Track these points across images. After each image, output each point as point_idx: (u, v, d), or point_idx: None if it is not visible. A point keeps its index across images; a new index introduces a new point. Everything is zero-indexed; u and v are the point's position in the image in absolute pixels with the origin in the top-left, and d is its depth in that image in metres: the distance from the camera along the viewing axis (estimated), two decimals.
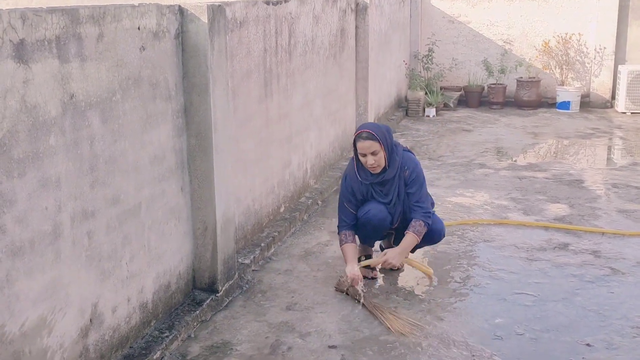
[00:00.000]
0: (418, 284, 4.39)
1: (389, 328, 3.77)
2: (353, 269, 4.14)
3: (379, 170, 4.24)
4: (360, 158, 4.24)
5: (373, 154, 4.17)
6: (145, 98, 3.43)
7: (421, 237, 4.29)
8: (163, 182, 3.62)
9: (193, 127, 3.84)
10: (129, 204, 3.31)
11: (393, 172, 4.28)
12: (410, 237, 4.25)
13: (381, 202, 4.34)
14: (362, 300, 4.04)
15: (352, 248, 4.30)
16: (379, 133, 4.19)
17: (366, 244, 4.55)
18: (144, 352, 3.35)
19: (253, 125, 4.80)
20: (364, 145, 4.17)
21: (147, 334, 3.52)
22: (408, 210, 4.35)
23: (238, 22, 4.45)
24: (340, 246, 4.36)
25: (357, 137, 4.21)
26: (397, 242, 4.52)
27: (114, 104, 3.15)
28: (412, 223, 4.28)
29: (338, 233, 4.42)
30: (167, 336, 3.52)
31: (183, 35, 3.75)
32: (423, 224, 4.27)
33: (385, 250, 4.30)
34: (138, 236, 3.41)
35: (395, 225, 4.42)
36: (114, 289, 3.22)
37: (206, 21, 3.71)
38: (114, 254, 3.21)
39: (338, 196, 4.50)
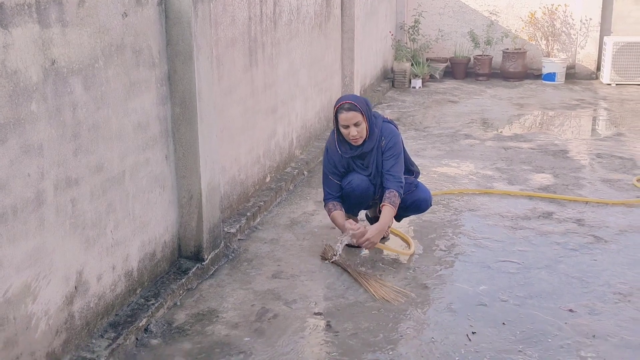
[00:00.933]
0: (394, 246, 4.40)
1: (373, 295, 3.79)
2: (352, 225, 4.15)
3: (360, 142, 4.23)
4: (342, 130, 4.21)
5: (356, 125, 4.16)
6: (129, 65, 3.39)
7: (397, 207, 4.25)
8: (147, 151, 3.60)
9: (177, 95, 3.81)
10: (113, 171, 3.29)
11: (372, 144, 4.26)
12: (387, 210, 4.20)
13: (361, 172, 4.35)
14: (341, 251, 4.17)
15: (342, 214, 4.32)
16: (361, 104, 4.18)
17: (351, 213, 4.55)
18: (129, 319, 3.35)
19: (238, 94, 4.77)
20: (347, 116, 4.14)
21: (132, 301, 3.52)
22: (382, 177, 4.37)
23: None
24: (330, 215, 4.36)
25: (339, 108, 4.17)
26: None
27: (96, 71, 3.11)
28: (386, 194, 4.23)
29: (325, 205, 4.42)
30: (152, 304, 3.52)
31: (166, 2, 3.70)
32: (397, 194, 4.22)
33: (367, 228, 4.25)
34: (122, 204, 3.39)
35: (378, 196, 4.42)
36: (98, 256, 3.21)
37: None
38: (99, 222, 3.20)
39: (322, 168, 4.50)
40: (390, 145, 4.28)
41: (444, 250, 4.42)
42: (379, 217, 4.55)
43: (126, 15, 3.34)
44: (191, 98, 3.81)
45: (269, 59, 5.33)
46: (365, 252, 4.41)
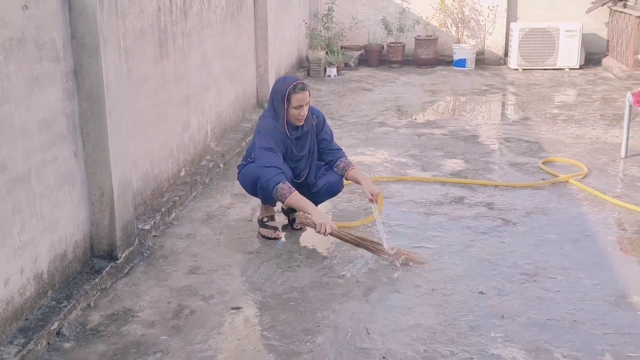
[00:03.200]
0: (319, 242, 4.45)
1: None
2: (324, 217, 4.11)
3: (303, 122, 4.34)
4: (294, 111, 4.26)
5: (307, 104, 4.29)
6: (31, 59, 3.28)
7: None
8: (54, 148, 3.50)
9: (84, 90, 3.71)
10: (17, 170, 3.18)
11: (308, 124, 4.41)
12: (358, 170, 4.50)
13: (297, 154, 4.39)
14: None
15: (299, 195, 4.17)
16: (306, 84, 4.37)
17: (268, 204, 4.56)
18: (40, 323, 3.26)
19: (149, 87, 4.69)
20: (303, 96, 4.25)
21: (43, 304, 3.42)
22: (322, 158, 4.52)
23: None
24: (287, 199, 4.14)
25: (294, 88, 4.24)
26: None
27: None
28: (344, 161, 4.49)
29: (274, 186, 4.12)
30: (65, 306, 3.43)
31: None
32: (349, 159, 4.53)
33: (366, 191, 4.33)
34: (29, 204, 3.29)
35: (301, 180, 4.45)
36: (5, 259, 3.11)
37: None
38: (4, 223, 3.09)
39: (247, 160, 4.47)
40: (322, 126, 4.52)
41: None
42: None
43: (27, 8, 3.23)
44: (99, 92, 3.72)
45: (180, 50, 5.26)
46: (283, 240, 4.41)
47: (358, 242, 4.16)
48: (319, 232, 4.07)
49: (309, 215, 4.14)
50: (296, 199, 4.15)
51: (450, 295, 3.72)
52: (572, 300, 3.65)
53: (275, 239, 4.47)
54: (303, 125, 4.37)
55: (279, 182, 4.13)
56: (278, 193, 4.14)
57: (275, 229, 4.52)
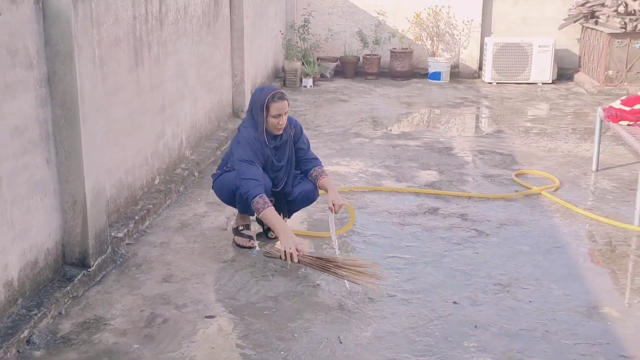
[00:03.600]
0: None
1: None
2: (294, 239, 3.95)
3: (282, 132, 4.35)
4: (273, 120, 4.26)
5: (285, 114, 4.30)
6: (4, 66, 3.25)
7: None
8: (26, 155, 3.46)
9: (58, 97, 3.68)
10: None
11: (287, 133, 4.42)
12: (328, 179, 4.49)
13: (277, 164, 4.39)
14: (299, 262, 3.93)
15: (274, 211, 4.11)
16: (285, 93, 4.38)
17: (246, 214, 4.54)
18: (10, 331, 3.21)
19: (124, 95, 4.66)
20: (282, 105, 4.26)
21: (13, 312, 3.37)
22: (299, 167, 4.53)
23: None
24: (261, 212, 4.09)
25: (272, 97, 4.25)
26: (276, 207, 4.55)
27: None
28: (317, 170, 4.49)
29: (252, 199, 4.09)
30: (35, 314, 3.39)
31: (44, 1, 3.57)
32: (322, 168, 4.53)
33: (330, 200, 4.30)
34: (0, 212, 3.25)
35: (278, 188, 4.45)
36: None
37: None
38: None
39: (222, 170, 4.46)
40: (300, 135, 4.53)
41: (335, 249, 4.49)
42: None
43: (0, 15, 3.20)
44: (73, 100, 3.70)
45: (155, 59, 5.24)
46: (257, 249, 4.40)
47: (324, 269, 3.94)
48: (285, 260, 3.93)
49: (275, 247, 4.12)
50: (269, 215, 4.08)
51: (424, 305, 3.74)
52: (544, 311, 3.68)
53: (249, 247, 4.46)
54: (282, 134, 4.38)
55: (257, 195, 4.11)
56: (254, 206, 4.13)
57: (250, 237, 4.51)
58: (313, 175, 4.49)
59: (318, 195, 4.62)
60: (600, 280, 4.10)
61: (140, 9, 4.91)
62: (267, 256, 4.12)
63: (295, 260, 3.88)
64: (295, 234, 4.14)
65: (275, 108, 4.25)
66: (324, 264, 3.93)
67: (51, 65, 3.65)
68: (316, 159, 4.58)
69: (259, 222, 4.72)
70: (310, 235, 4.65)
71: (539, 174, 6.13)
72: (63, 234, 3.88)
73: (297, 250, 3.90)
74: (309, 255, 4.01)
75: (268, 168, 4.37)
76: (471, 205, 5.34)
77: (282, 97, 4.29)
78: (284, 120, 4.29)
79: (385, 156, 6.73)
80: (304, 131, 4.68)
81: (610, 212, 5.18)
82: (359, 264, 3.95)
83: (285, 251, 3.89)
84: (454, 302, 3.78)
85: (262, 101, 4.27)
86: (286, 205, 4.56)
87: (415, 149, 6.99)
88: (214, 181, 4.58)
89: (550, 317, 3.62)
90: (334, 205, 4.30)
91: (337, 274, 3.89)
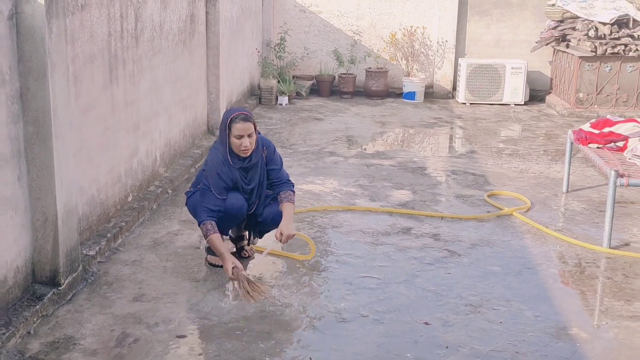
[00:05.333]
0: (267, 270, 4.44)
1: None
2: (231, 261, 4.10)
3: (249, 153, 4.31)
4: (235, 141, 4.24)
5: (249, 136, 4.24)
6: None
7: (294, 203, 4.48)
8: None
9: (30, 114, 3.66)
10: None
11: (258, 155, 4.39)
12: (289, 206, 4.40)
13: (245, 187, 4.37)
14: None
15: (220, 238, 4.22)
16: (252, 117, 4.32)
17: (221, 232, 4.52)
18: None
19: (97, 112, 4.64)
20: (243, 126, 4.21)
21: None
22: (271, 188, 4.49)
23: (79, 4, 4.27)
24: (207, 238, 4.21)
25: (235, 119, 4.22)
26: (247, 227, 4.56)
27: None
28: (282, 195, 4.43)
29: (201, 224, 4.25)
30: (3, 333, 3.34)
31: (18, 17, 3.55)
32: (292, 193, 4.48)
33: (279, 229, 4.29)
34: None
35: (251, 211, 4.45)
36: None
37: (43, 2, 3.53)
38: None
39: (195, 188, 4.45)
40: (272, 156, 4.50)
41: (307, 268, 4.50)
42: (242, 236, 4.61)
43: None
44: (45, 116, 3.67)
45: (130, 76, 5.23)
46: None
47: (248, 296, 4.01)
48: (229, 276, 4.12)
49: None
50: (214, 241, 4.18)
51: (396, 326, 3.75)
52: (514, 332, 3.71)
53: (222, 266, 4.43)
54: (251, 156, 4.34)
55: (203, 222, 4.23)
56: (202, 231, 4.27)
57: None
58: (279, 199, 4.44)
59: None
60: (570, 301, 4.14)
61: (116, 26, 4.90)
62: (212, 264, 4.37)
63: (230, 274, 4.06)
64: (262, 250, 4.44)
65: (236, 129, 4.22)
66: (246, 285, 4.03)
67: (24, 82, 3.62)
68: (287, 182, 4.52)
69: (232, 240, 4.70)
70: (283, 255, 4.64)
71: (511, 194, 6.19)
72: (33, 252, 3.84)
73: (236, 271, 4.06)
74: (246, 277, 4.09)
75: (240, 190, 4.36)
76: (444, 226, 5.37)
77: (245, 119, 4.23)
78: (246, 142, 4.23)
79: (360, 175, 6.75)
80: (278, 149, 4.69)
81: (580, 233, 5.24)
82: (261, 289, 4.04)
83: (228, 271, 4.07)
84: (426, 323, 3.79)
85: (225, 121, 4.28)
86: (257, 226, 4.55)
87: (389, 169, 7.03)
88: (187, 198, 4.57)
89: (520, 338, 3.65)
90: (281, 234, 4.26)
91: (245, 292, 3.99)
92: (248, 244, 4.68)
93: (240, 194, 4.36)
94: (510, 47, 11.48)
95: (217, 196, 4.28)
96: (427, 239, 5.07)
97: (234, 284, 4.11)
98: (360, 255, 4.73)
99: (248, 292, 3.96)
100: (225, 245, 4.23)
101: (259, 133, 4.50)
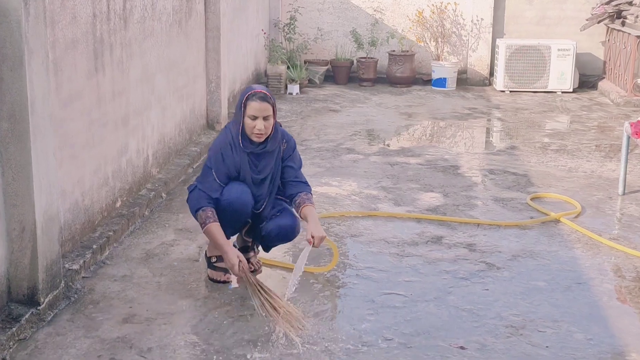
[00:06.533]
0: (276, 287, 4.44)
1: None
2: (235, 253, 4.16)
3: (263, 139, 4.33)
4: (248, 121, 4.26)
5: (265, 118, 4.26)
6: None
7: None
8: None
9: (5, 108, 3.69)
10: None
11: (275, 144, 4.40)
12: (312, 208, 4.42)
13: (255, 177, 4.38)
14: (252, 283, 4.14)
15: (219, 228, 4.23)
16: (273, 98, 4.35)
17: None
18: None
19: (81, 105, 4.68)
20: (260, 106, 4.23)
21: None
22: (285, 189, 4.50)
23: None
24: (205, 227, 4.22)
25: (251, 96, 4.25)
26: (250, 233, 4.54)
27: None
28: (302, 197, 4.44)
29: (197, 211, 4.28)
30: None
31: None
32: (310, 195, 4.49)
33: (309, 232, 4.28)
34: None
35: (260, 210, 4.44)
36: None
37: None
38: None
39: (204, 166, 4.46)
40: (291, 153, 4.51)
41: (323, 283, 4.50)
42: (248, 246, 4.61)
43: None
44: (22, 111, 3.70)
45: (118, 63, 5.26)
46: (234, 285, 4.40)
47: (259, 298, 4.09)
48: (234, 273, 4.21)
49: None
50: (213, 231, 4.21)
51: (426, 351, 3.75)
52: (562, 357, 3.70)
53: (225, 282, 4.46)
54: (267, 142, 4.35)
55: (203, 207, 4.25)
56: (198, 219, 4.30)
57: (225, 271, 4.49)
58: (297, 202, 4.43)
59: (299, 231, 4.56)
60: (627, 321, 4.12)
61: (102, 6, 4.94)
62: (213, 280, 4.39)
63: (237, 270, 4.13)
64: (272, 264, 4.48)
65: (251, 107, 4.24)
66: (262, 295, 4.08)
67: None
68: (306, 183, 4.54)
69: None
70: (291, 267, 4.63)
71: (558, 197, 6.17)
72: (9, 266, 3.87)
73: (242, 265, 4.15)
74: (255, 279, 4.17)
75: (247, 181, 4.36)
76: (480, 234, 5.37)
77: (263, 98, 4.25)
78: (261, 125, 4.25)
79: (382, 176, 6.76)
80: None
81: (639, 242, 5.22)
82: (293, 313, 4.02)
83: (233, 266, 4.14)
84: (461, 347, 3.79)
85: (242, 98, 4.32)
86: (260, 241, 4.55)
87: (416, 168, 7.03)
88: (189, 192, 4.50)
89: None
90: (312, 237, 4.26)
91: (267, 310, 4.02)
92: (254, 254, 4.67)
93: (246, 186, 4.36)
94: (557, 26, 11.44)
95: (217, 181, 4.30)
96: (461, 250, 5.06)
97: (253, 296, 4.13)
98: (384, 269, 4.73)
99: (269, 302, 4.03)
100: (225, 239, 4.23)
101: (280, 125, 4.51)
